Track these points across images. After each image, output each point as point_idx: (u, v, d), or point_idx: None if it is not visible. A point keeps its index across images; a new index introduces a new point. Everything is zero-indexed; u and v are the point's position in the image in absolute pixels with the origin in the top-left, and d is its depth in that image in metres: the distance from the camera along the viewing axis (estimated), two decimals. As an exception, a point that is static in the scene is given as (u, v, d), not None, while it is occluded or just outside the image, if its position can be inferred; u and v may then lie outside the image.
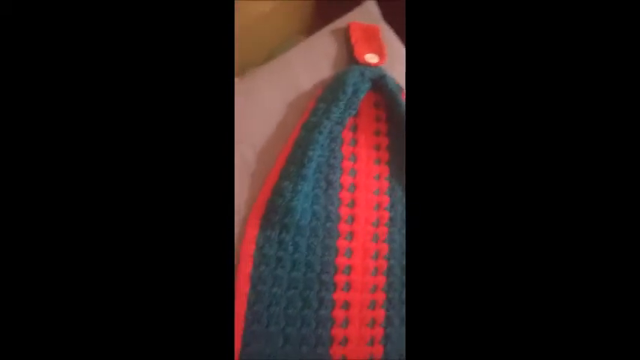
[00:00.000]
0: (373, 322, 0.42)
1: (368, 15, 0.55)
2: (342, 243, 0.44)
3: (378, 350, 0.41)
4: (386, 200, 0.46)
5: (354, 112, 0.45)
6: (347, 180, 0.46)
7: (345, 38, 0.51)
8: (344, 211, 0.45)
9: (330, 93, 0.45)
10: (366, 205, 0.46)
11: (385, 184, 0.47)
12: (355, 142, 0.48)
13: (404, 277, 0.44)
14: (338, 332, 0.41)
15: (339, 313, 0.41)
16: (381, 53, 0.50)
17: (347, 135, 0.47)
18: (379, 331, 0.42)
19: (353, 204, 0.45)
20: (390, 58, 0.51)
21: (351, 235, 0.44)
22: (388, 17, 0.57)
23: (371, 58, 0.49)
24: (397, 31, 0.56)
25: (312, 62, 0.50)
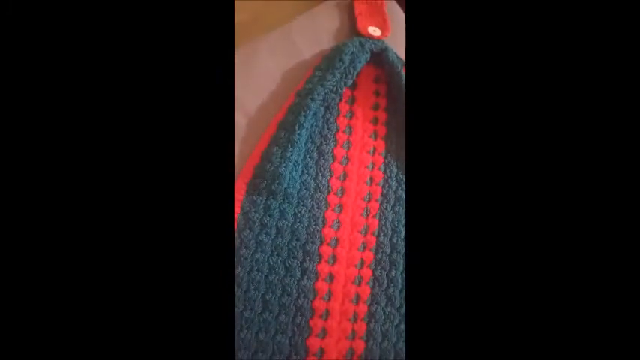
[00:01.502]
0: (357, 298, 0.41)
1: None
2: (330, 215, 0.42)
3: (361, 327, 0.40)
4: (379, 176, 0.45)
5: (350, 82, 0.44)
6: (340, 152, 0.45)
7: (349, 11, 0.50)
8: (335, 184, 0.44)
9: (328, 61, 0.44)
10: (359, 179, 0.44)
11: (380, 159, 0.46)
12: (352, 114, 0.46)
13: (393, 255, 0.42)
14: (320, 304, 0.39)
15: (322, 285, 0.40)
16: (384, 27, 0.49)
17: (344, 107, 0.46)
18: (363, 308, 0.41)
19: (345, 177, 0.44)
20: (394, 32, 0.49)
21: (341, 207, 0.43)
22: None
23: (373, 31, 0.48)
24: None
25: (313, 34, 0.49)
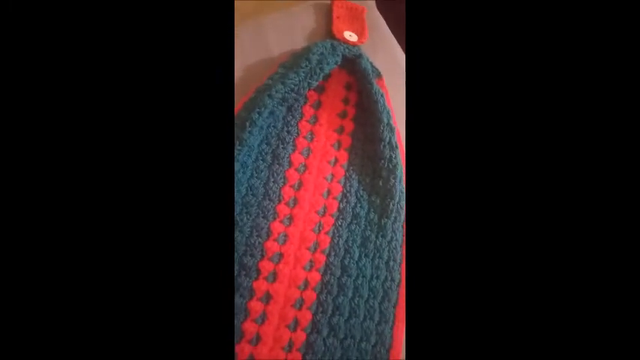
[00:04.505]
0: (296, 325, 0.36)
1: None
2: (277, 226, 0.38)
3: (295, 358, 0.35)
4: (338, 189, 0.41)
5: (314, 84, 0.40)
6: (298, 159, 0.41)
7: (327, 13, 0.48)
8: (287, 192, 0.39)
9: (294, 60, 0.41)
10: (315, 189, 0.40)
11: (341, 171, 0.41)
12: (316, 119, 0.43)
13: (343, 279, 0.38)
14: (250, 327, 0.34)
15: (256, 306, 0.35)
16: (361, 33, 0.46)
17: (308, 111, 0.42)
18: (300, 336, 0.35)
19: (299, 186, 0.40)
20: (372, 41, 0.46)
21: (290, 219, 0.38)
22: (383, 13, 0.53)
23: (349, 36, 0.45)
24: (390, 27, 0.52)
25: (285, 31, 0.46)
